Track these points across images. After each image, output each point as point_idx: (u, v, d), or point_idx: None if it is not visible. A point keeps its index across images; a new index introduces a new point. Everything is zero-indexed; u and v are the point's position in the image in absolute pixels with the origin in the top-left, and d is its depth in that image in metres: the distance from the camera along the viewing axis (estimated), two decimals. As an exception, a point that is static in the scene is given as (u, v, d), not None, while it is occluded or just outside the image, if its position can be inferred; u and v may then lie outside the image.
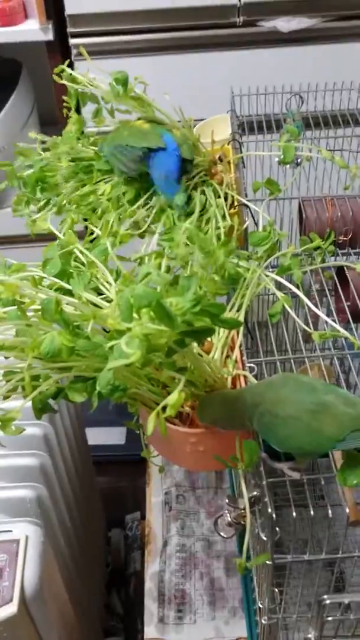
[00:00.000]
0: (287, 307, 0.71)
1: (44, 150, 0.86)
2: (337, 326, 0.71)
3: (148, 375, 0.62)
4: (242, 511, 0.64)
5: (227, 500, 0.67)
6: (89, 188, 0.77)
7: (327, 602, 0.55)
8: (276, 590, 0.67)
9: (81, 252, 0.69)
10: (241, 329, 0.71)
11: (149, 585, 0.96)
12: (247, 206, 0.82)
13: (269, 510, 0.57)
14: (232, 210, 0.82)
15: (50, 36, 1.27)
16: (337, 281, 0.81)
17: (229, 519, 0.67)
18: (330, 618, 0.56)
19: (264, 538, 0.61)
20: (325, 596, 0.55)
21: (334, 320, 0.73)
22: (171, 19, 1.23)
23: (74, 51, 1.25)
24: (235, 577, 0.95)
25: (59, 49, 1.31)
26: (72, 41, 1.25)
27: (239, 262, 0.74)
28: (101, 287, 0.67)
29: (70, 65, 1.03)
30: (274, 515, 0.57)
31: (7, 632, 0.71)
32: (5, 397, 0.58)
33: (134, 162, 0.77)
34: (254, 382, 0.67)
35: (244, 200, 0.82)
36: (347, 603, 0.55)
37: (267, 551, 0.61)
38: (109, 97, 0.84)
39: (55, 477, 0.91)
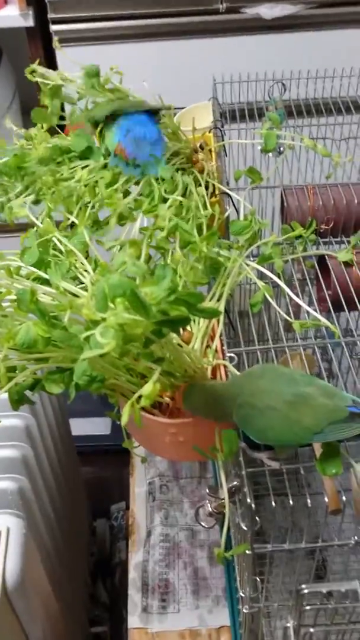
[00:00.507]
0: (268, 296, 0.71)
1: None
2: (318, 315, 0.71)
3: (126, 365, 0.62)
4: (223, 501, 0.64)
5: (207, 491, 0.67)
6: (65, 173, 0.76)
7: (306, 591, 0.55)
8: (258, 579, 0.67)
9: (59, 240, 0.68)
10: (222, 318, 0.71)
11: (133, 575, 0.96)
12: (228, 195, 0.81)
13: (248, 500, 0.57)
14: (213, 199, 0.82)
15: (30, 22, 1.25)
16: (318, 270, 0.81)
17: (210, 509, 0.67)
18: (309, 607, 0.56)
19: (244, 528, 0.61)
20: (303, 585, 0.55)
21: (315, 310, 0.73)
22: (153, 6, 1.22)
23: (54, 38, 1.24)
24: (218, 566, 0.95)
25: (40, 35, 1.30)
26: (53, 27, 1.24)
27: (220, 251, 0.74)
28: (80, 277, 0.66)
29: (50, 52, 1.02)
30: (253, 505, 0.57)
31: (-12, 624, 0.71)
32: (-18, 389, 0.57)
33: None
34: (235, 372, 0.67)
35: (225, 189, 0.81)
36: (325, 592, 0.55)
37: (247, 541, 0.61)
38: (84, 91, 0.83)
39: (38, 469, 0.91)
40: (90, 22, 1.23)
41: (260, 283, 0.72)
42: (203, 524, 0.69)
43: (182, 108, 0.98)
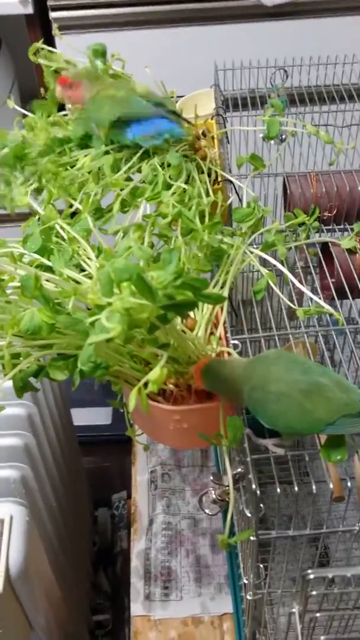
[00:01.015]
0: (271, 283, 0.71)
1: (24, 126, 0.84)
2: (322, 302, 0.71)
3: (131, 352, 0.61)
4: (227, 488, 0.64)
5: (211, 478, 0.67)
6: (67, 160, 0.76)
7: (312, 576, 0.55)
8: (261, 566, 0.67)
9: (62, 227, 0.67)
10: (225, 305, 0.71)
11: (135, 563, 0.96)
12: (231, 182, 0.81)
13: (253, 486, 0.57)
14: (215, 186, 0.81)
15: (29, 9, 1.24)
16: (321, 257, 0.81)
17: (214, 496, 0.67)
18: (314, 592, 0.56)
19: (249, 514, 0.61)
20: (309, 571, 0.55)
21: (320, 298, 0.73)
22: (154, -8, 1.21)
23: (54, 25, 1.22)
24: (220, 554, 0.96)
25: (39, 23, 1.28)
26: (53, 15, 1.22)
27: (223, 239, 0.73)
28: (83, 264, 0.66)
29: (50, 40, 1.01)
30: (258, 491, 0.57)
31: (-8, 611, 0.71)
32: (-14, 376, 0.57)
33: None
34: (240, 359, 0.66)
35: (228, 176, 0.81)
36: (331, 577, 0.55)
37: (252, 527, 0.61)
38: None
39: (40, 457, 0.91)
40: (91, 9, 1.22)
41: (263, 270, 0.72)
42: (207, 510, 0.69)
43: (183, 96, 0.97)
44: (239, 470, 0.63)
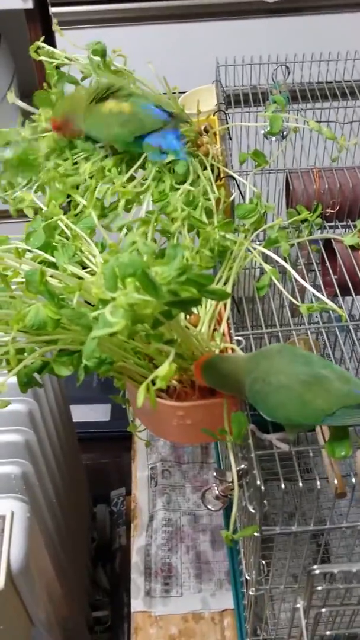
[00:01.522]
0: (274, 279, 0.71)
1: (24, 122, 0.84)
2: (325, 298, 0.71)
3: (135, 348, 0.61)
4: (230, 484, 0.64)
5: (214, 474, 0.67)
6: (70, 165, 0.75)
7: (317, 572, 0.55)
8: (263, 562, 0.67)
9: (66, 224, 0.67)
10: (228, 302, 0.70)
11: (136, 559, 0.96)
12: (233, 178, 0.80)
13: (258, 482, 0.57)
14: (218, 182, 0.81)
15: (29, 4, 1.24)
16: (324, 254, 0.81)
17: (217, 492, 0.67)
18: (319, 588, 0.56)
19: (252, 510, 0.61)
20: (315, 566, 0.55)
21: (323, 294, 0.73)
22: (155, -13, 1.20)
23: (54, 20, 1.22)
24: (221, 550, 0.96)
25: (39, 18, 1.28)
26: (53, 10, 1.22)
27: (226, 235, 0.73)
28: (86, 261, 0.66)
29: (50, 36, 1.00)
30: (262, 487, 0.57)
31: (-6, 607, 0.71)
32: (-10, 371, 0.57)
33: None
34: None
35: (231, 172, 0.81)
36: (335, 572, 0.55)
37: (255, 523, 0.61)
38: (88, 71, 0.82)
39: (41, 454, 0.91)
40: (91, 4, 1.22)
41: (266, 267, 0.72)
42: (210, 506, 0.69)
43: (185, 92, 0.97)
44: (242, 466, 0.63)
